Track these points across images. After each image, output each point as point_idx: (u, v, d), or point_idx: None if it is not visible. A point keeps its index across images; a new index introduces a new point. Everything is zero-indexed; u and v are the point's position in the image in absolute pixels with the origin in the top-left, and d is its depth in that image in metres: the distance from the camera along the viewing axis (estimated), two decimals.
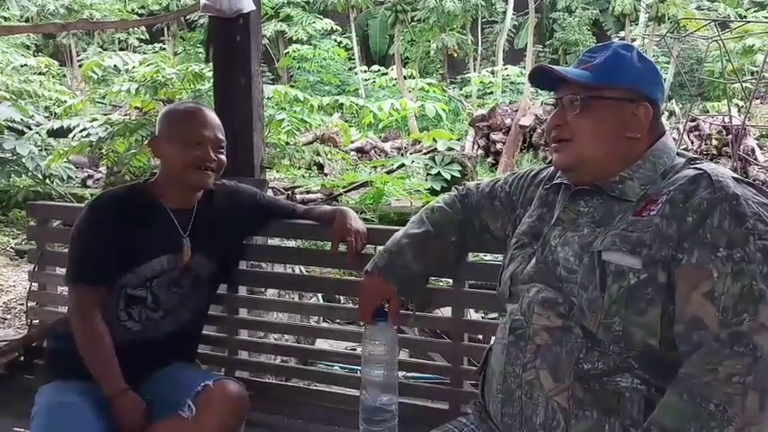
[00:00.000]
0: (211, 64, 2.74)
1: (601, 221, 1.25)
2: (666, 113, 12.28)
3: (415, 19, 17.51)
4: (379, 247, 1.67)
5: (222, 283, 1.98)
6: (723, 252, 1.09)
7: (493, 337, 1.44)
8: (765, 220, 1.11)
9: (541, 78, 1.34)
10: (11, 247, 6.72)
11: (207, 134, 1.70)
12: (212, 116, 1.75)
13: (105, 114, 7.95)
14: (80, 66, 14.77)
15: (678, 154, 1.30)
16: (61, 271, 2.21)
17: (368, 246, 1.84)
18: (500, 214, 1.55)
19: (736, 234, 1.09)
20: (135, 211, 1.70)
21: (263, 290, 2.59)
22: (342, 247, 1.83)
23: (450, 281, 1.84)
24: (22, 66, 10.41)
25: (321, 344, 3.21)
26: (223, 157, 1.74)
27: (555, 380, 1.20)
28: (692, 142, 10.94)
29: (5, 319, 4.63)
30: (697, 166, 1.22)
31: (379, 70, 16.85)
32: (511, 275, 1.36)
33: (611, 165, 1.27)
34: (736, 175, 1.19)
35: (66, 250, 1.75)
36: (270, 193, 2.71)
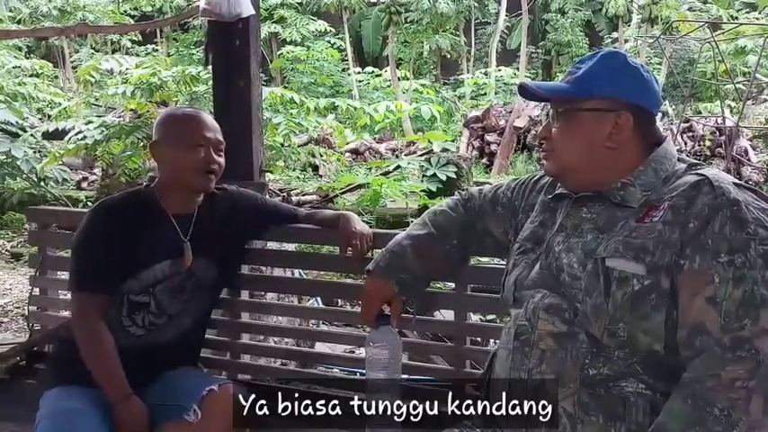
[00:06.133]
0: (210, 68, 2.74)
1: (604, 228, 1.25)
2: (660, 114, 12.32)
3: (409, 20, 17.51)
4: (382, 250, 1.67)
5: (225, 287, 1.99)
6: (725, 257, 1.11)
7: (492, 341, 1.45)
8: (766, 226, 1.12)
9: (529, 93, 1.35)
10: (6, 250, 6.70)
11: (208, 136, 1.71)
12: (211, 119, 1.76)
13: (99, 116, 7.94)
14: (73, 67, 14.75)
15: (679, 159, 1.30)
16: (62, 275, 2.21)
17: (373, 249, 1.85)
18: (502, 219, 1.56)
19: (738, 239, 1.11)
20: (136, 217, 1.69)
21: (262, 293, 2.60)
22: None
23: (452, 284, 1.85)
24: (14, 67, 10.39)
25: (320, 347, 3.21)
26: (222, 159, 1.75)
27: (560, 385, 1.21)
28: (686, 143, 10.99)
29: (2, 322, 4.61)
30: (698, 171, 1.23)
31: (372, 71, 16.87)
32: (515, 281, 1.36)
33: (598, 174, 1.28)
34: (737, 181, 1.20)
35: (68, 254, 1.74)
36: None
